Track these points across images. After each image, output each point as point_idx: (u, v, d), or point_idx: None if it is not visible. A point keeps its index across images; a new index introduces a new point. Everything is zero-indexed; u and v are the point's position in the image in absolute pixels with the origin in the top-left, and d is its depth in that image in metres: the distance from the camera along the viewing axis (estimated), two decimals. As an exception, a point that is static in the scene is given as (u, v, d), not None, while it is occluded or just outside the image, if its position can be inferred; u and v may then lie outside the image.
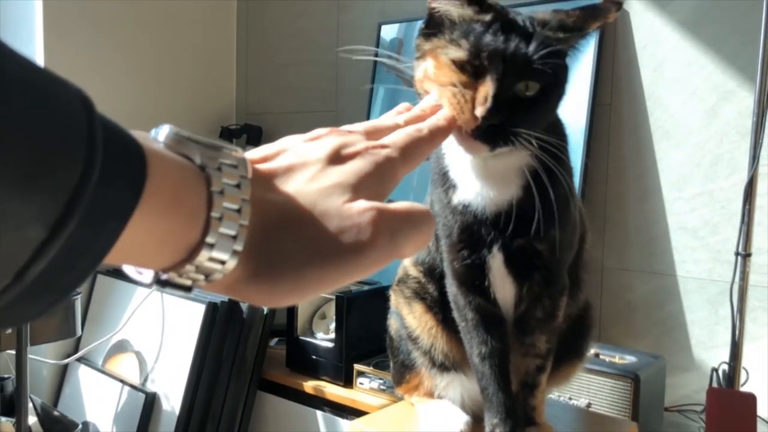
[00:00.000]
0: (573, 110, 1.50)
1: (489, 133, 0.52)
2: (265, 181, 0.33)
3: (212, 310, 1.54)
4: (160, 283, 0.30)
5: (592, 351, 1.21)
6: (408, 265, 0.78)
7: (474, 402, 0.74)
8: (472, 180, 0.62)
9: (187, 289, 0.31)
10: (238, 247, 0.30)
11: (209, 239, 0.29)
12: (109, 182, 0.24)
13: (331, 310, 1.56)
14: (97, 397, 1.69)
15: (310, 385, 1.51)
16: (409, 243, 0.34)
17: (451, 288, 0.68)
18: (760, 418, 1.25)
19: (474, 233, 0.63)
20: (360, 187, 0.34)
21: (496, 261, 0.65)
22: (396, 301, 0.78)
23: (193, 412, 1.52)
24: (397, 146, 0.38)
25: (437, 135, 0.42)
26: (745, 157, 1.22)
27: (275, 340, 1.79)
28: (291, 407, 1.56)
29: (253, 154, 0.35)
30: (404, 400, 0.81)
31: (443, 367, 0.73)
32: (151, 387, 1.60)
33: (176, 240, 0.29)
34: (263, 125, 2.16)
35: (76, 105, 0.24)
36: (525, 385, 0.69)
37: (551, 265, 0.68)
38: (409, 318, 0.75)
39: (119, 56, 1.95)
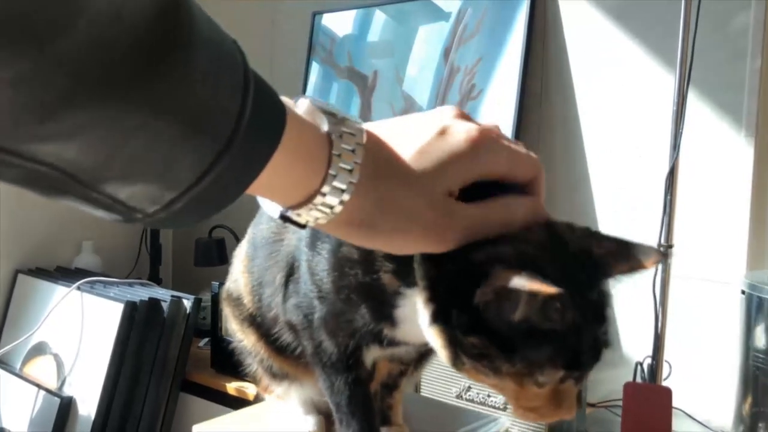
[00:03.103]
0: (501, 101, 1.47)
1: None
2: (378, 144, 0.39)
3: (131, 309, 1.47)
4: (284, 218, 0.38)
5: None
6: (242, 290, 0.69)
7: (322, 399, 0.69)
8: (419, 327, 0.48)
9: (302, 226, 0.38)
10: (353, 179, 0.36)
11: (324, 188, 0.36)
12: (257, 131, 0.32)
13: (256, 307, 1.51)
14: (14, 402, 1.61)
15: (233, 387, 1.46)
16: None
17: (337, 366, 0.59)
18: (681, 410, 1.24)
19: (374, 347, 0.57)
20: (451, 174, 0.40)
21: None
22: (229, 312, 0.71)
23: (110, 415, 1.46)
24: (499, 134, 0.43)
25: None
26: (667, 147, 1.20)
27: (205, 340, 1.73)
28: (215, 409, 1.50)
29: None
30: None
31: (278, 377, 0.68)
32: (68, 390, 1.53)
33: (303, 184, 0.36)
34: (198, 118, 2.10)
35: (238, 58, 0.32)
36: (385, 386, 0.65)
37: None
38: (239, 334, 0.69)
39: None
